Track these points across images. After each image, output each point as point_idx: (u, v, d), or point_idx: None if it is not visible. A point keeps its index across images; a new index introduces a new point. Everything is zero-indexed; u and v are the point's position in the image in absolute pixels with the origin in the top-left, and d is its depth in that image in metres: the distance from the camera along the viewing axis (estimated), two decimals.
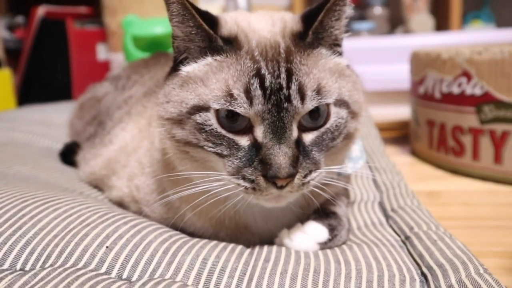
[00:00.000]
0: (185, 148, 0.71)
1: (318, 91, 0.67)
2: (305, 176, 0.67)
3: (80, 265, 0.63)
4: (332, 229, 0.80)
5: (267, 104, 0.65)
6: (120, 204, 0.97)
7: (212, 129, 0.67)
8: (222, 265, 0.66)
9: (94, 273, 0.61)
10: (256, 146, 0.66)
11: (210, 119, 0.67)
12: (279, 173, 0.63)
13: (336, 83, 0.70)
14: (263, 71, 0.66)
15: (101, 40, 2.94)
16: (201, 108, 0.68)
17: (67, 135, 1.47)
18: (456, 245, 0.72)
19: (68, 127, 1.46)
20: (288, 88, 0.65)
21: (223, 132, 0.67)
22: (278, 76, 0.66)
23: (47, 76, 2.82)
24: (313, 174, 0.68)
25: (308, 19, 0.73)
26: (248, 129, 0.67)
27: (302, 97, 0.66)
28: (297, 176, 0.66)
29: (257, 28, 0.74)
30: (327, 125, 0.70)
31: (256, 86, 0.65)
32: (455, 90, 1.53)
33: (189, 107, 0.69)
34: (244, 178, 0.67)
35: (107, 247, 0.66)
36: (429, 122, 1.68)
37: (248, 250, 0.73)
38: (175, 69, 0.76)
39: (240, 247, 0.74)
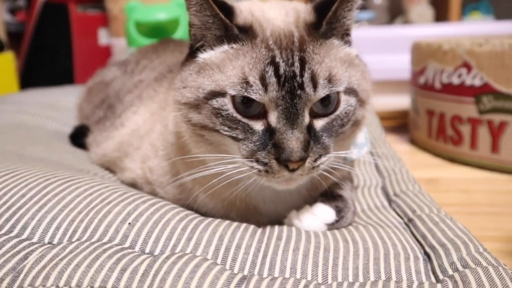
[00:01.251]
0: (201, 131, 0.74)
1: (330, 80, 0.70)
2: (315, 160, 0.71)
3: (105, 239, 0.66)
4: (339, 211, 0.84)
5: (281, 91, 0.68)
6: (133, 185, 1.00)
7: (228, 113, 0.70)
8: (237, 242, 0.70)
9: (119, 247, 0.65)
10: (269, 130, 0.70)
11: (226, 104, 0.70)
12: (291, 156, 0.67)
13: (346, 72, 0.73)
14: (277, 59, 0.69)
15: (102, 25, 2.95)
16: (218, 94, 0.71)
17: (76, 118, 1.49)
18: (457, 227, 0.77)
19: (77, 111, 1.49)
20: (301, 76, 0.69)
21: (239, 117, 0.71)
22: (292, 64, 0.69)
23: (49, 60, 2.82)
24: (323, 159, 0.72)
25: (320, 9, 0.75)
26: (262, 114, 0.71)
27: (315, 85, 0.69)
28: (308, 160, 0.70)
29: (271, 17, 0.77)
30: (337, 112, 0.73)
31: (271, 74, 0.68)
32: (455, 80, 1.57)
33: (206, 92, 0.72)
34: (257, 161, 0.70)
35: (129, 223, 0.69)
36: (429, 112, 1.72)
37: (260, 229, 0.77)
38: (191, 55, 0.79)
39: (252, 226, 0.78)
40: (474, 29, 2.35)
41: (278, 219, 0.85)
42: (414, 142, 1.89)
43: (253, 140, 0.70)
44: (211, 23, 0.74)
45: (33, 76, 2.81)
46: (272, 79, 0.68)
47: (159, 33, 2.19)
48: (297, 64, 0.69)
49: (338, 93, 0.72)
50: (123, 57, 1.77)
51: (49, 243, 0.66)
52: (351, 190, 0.97)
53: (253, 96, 0.69)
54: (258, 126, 0.71)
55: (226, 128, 0.71)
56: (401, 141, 1.96)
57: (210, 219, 0.78)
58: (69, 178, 0.81)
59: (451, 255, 0.68)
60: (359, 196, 1.04)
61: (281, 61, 0.69)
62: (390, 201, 1.00)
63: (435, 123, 1.69)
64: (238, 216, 0.86)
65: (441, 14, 3.43)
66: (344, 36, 0.78)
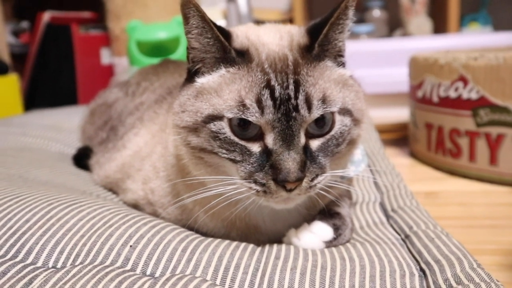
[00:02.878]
0: (200, 154, 0.77)
1: (324, 101, 0.72)
2: (312, 180, 0.73)
3: (108, 262, 0.68)
4: (336, 229, 0.86)
5: (277, 114, 0.70)
6: (135, 206, 1.03)
7: (226, 136, 0.73)
8: (236, 262, 0.72)
9: (121, 270, 0.67)
10: (266, 152, 0.72)
11: (223, 127, 0.73)
12: (288, 177, 0.68)
13: (340, 92, 0.76)
14: (272, 83, 0.72)
15: (104, 45, 2.99)
16: (215, 117, 0.73)
17: (79, 140, 1.52)
18: (452, 243, 0.78)
19: (80, 132, 1.51)
20: (296, 98, 0.71)
21: (236, 139, 0.73)
22: (287, 87, 0.71)
23: (52, 81, 2.86)
24: (319, 178, 0.74)
25: (313, 32, 0.78)
26: (259, 136, 0.73)
27: (309, 107, 0.71)
28: (304, 180, 0.72)
29: (266, 41, 0.79)
30: (332, 132, 0.75)
31: (267, 97, 0.70)
32: (452, 94, 1.59)
33: (204, 116, 0.74)
34: (255, 182, 0.72)
35: (130, 246, 0.71)
36: (427, 125, 1.74)
37: (259, 249, 0.79)
38: (189, 80, 0.81)
39: (251, 245, 0.80)
40: (472, 41, 2.37)
41: (278, 238, 0.87)
42: (414, 155, 1.91)
43: (251, 161, 0.72)
44: (211, 45, 0.76)
45: (37, 97, 2.85)
46: (268, 102, 0.70)
47: (160, 51, 2.23)
48: (291, 87, 0.71)
49: (332, 113, 0.74)
50: (125, 77, 1.80)
51: (53, 267, 0.68)
52: (349, 207, 0.98)
53: (250, 119, 0.71)
54: (255, 148, 0.73)
55: (224, 151, 0.73)
56: (401, 154, 1.97)
57: (210, 239, 0.80)
58: (72, 201, 0.83)
59: (445, 271, 0.70)
60: (358, 213, 1.06)
61: (276, 84, 0.71)
62: (388, 216, 1.02)
63: (434, 136, 1.71)
64: (238, 235, 0.87)
65: (439, 25, 3.46)
66: (337, 57, 0.80)
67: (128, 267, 0.69)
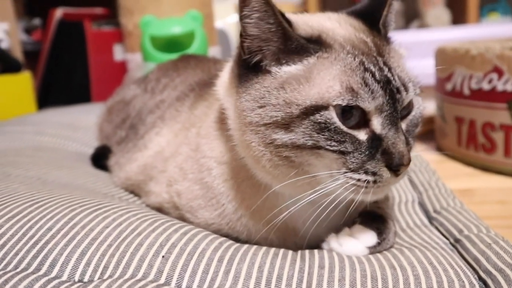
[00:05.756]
0: (289, 152, 0.69)
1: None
2: None
3: (139, 276, 0.62)
4: (380, 233, 0.79)
5: (385, 97, 0.67)
6: (159, 209, 0.97)
7: (336, 127, 0.67)
8: (278, 272, 0.66)
9: (154, 284, 0.61)
10: (375, 138, 0.68)
11: (332, 117, 0.67)
12: (403, 160, 0.66)
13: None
14: (367, 65, 0.68)
15: (117, 41, 2.94)
16: (321, 107, 0.67)
17: (96, 139, 1.47)
18: None
19: (97, 131, 1.46)
20: (395, 80, 0.69)
21: (345, 129, 0.67)
22: (382, 69, 0.69)
23: (66, 78, 2.82)
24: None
25: (363, 15, 0.78)
26: (362, 123, 0.68)
27: (406, 88, 0.70)
28: None
29: (330, 27, 0.75)
30: (413, 113, 0.74)
31: (371, 80, 0.67)
32: (486, 86, 1.51)
33: (304, 107, 0.67)
34: (366, 172, 0.68)
35: (163, 256, 0.65)
36: (458, 119, 1.66)
37: (299, 256, 0.72)
38: (247, 72, 0.74)
39: (290, 253, 0.74)
40: (493, 31, 2.28)
41: (316, 241, 0.81)
42: (441, 150, 1.83)
43: (362, 150, 0.68)
44: (273, 32, 0.70)
45: (50, 94, 2.81)
46: (375, 86, 0.67)
47: (175, 47, 2.17)
48: (386, 68, 0.69)
49: None
50: (140, 74, 1.75)
51: (79, 281, 0.62)
52: (389, 207, 0.92)
53: (361, 104, 0.66)
54: (362, 135, 0.68)
55: (333, 143, 0.67)
56: (427, 150, 1.89)
57: (245, 246, 0.74)
58: (95, 206, 0.77)
59: None
60: (396, 213, 0.99)
61: (372, 66, 0.68)
62: (430, 218, 0.95)
63: (465, 131, 1.63)
64: (277, 237, 0.82)
65: (458, 16, 3.37)
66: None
67: (162, 280, 0.62)
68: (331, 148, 0.67)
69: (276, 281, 0.64)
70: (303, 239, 0.83)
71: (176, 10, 2.52)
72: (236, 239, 0.83)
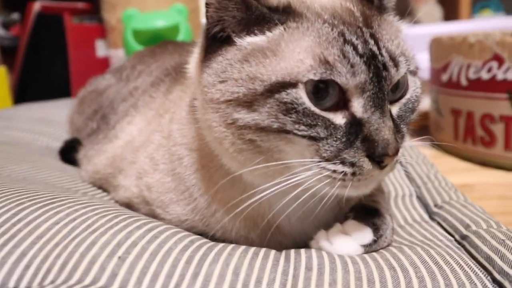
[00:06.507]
0: (253, 135, 0.59)
1: (405, 57, 0.62)
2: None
3: (87, 281, 0.52)
4: (376, 229, 0.69)
5: (369, 73, 0.57)
6: (129, 205, 0.86)
7: (305, 108, 0.57)
8: (257, 275, 0.56)
9: None
10: (354, 123, 0.58)
11: (301, 96, 0.57)
12: (388, 149, 0.56)
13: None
14: (348, 37, 0.58)
15: (100, 36, 2.83)
16: (288, 84, 0.57)
17: (68, 132, 1.36)
18: None
19: (68, 124, 1.35)
20: (381, 55, 0.59)
21: (317, 110, 0.57)
22: (366, 42, 0.59)
23: (44, 74, 2.69)
24: (401, 151, 0.61)
25: None
26: (340, 105, 0.58)
27: (395, 64, 0.60)
28: None
29: None
30: (408, 95, 0.65)
31: (352, 54, 0.57)
32: (484, 75, 1.42)
33: (270, 84, 0.57)
34: (343, 162, 0.57)
35: (119, 257, 0.55)
36: (454, 112, 1.57)
37: (283, 256, 0.62)
38: (213, 45, 0.64)
39: (273, 252, 0.63)
40: (485, 26, 2.20)
41: (304, 240, 0.71)
42: (437, 145, 1.73)
43: (338, 137, 0.58)
44: (240, 4, 0.61)
45: (28, 90, 2.68)
46: (356, 60, 0.57)
47: (158, 41, 2.08)
48: (371, 41, 0.59)
49: (405, 73, 0.63)
50: (119, 64, 1.64)
51: None
52: (385, 201, 0.82)
53: (338, 80, 0.56)
54: (339, 119, 0.58)
55: (302, 127, 0.57)
56: (422, 145, 1.80)
57: (220, 245, 0.63)
58: (48, 201, 0.67)
59: None
60: (393, 208, 0.89)
61: (354, 38, 0.58)
62: (430, 213, 0.85)
63: (462, 124, 1.54)
64: (258, 236, 0.72)
65: (450, 13, 3.31)
66: (392, 10, 0.70)
67: (115, 285, 0.52)
68: (300, 133, 0.57)
69: (254, 285, 0.54)
70: (289, 238, 0.73)
71: (161, 4, 2.42)
72: (213, 238, 0.73)
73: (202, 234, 0.74)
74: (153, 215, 0.79)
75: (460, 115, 1.54)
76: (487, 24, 2.27)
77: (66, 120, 1.37)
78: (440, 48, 1.62)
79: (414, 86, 0.66)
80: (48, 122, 1.57)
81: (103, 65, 2.75)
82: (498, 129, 1.41)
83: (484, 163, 1.48)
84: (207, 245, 0.62)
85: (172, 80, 0.99)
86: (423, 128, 2.01)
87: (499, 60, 1.37)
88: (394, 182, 1.02)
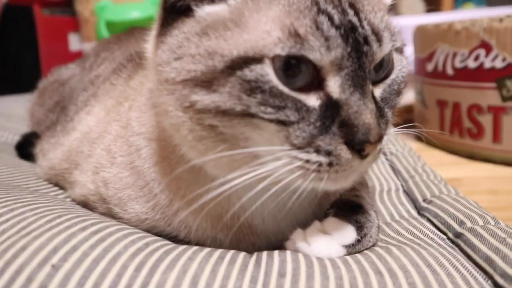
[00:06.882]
0: (214, 120, 0.51)
1: (390, 32, 0.54)
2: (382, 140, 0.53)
3: None
4: (360, 227, 0.61)
5: (347, 48, 0.49)
6: (85, 204, 0.77)
7: (272, 87, 0.49)
8: (220, 283, 0.47)
9: None
10: (330, 105, 0.50)
11: (267, 73, 0.49)
12: (369, 135, 0.49)
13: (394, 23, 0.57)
14: (323, 6, 0.50)
15: (73, 29, 2.72)
16: (252, 60, 0.49)
17: (28, 126, 1.26)
18: None
19: (28, 116, 1.25)
20: (362, 27, 0.51)
21: (286, 90, 0.49)
22: (344, 12, 0.51)
23: (13, 69, 2.57)
24: (385, 138, 0.55)
25: None
26: (315, 84, 0.50)
27: (379, 39, 0.52)
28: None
29: None
30: (393, 76, 0.57)
31: (327, 25, 0.49)
32: (471, 64, 1.35)
33: (231, 59, 0.49)
34: (318, 150, 0.50)
35: (52, 265, 0.45)
36: (440, 103, 1.50)
37: (253, 260, 0.53)
38: (171, 17, 0.56)
39: (242, 255, 0.55)
40: (467, 17, 2.14)
41: (280, 240, 0.63)
42: (422, 138, 1.66)
43: (311, 121, 0.50)
44: None
45: None
46: (331, 32, 0.49)
47: None
48: (350, 12, 0.51)
49: (390, 51, 0.55)
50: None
51: None
52: (369, 196, 0.74)
53: (310, 55, 0.48)
54: (313, 100, 0.50)
55: (269, 109, 0.49)
56: (406, 138, 1.73)
57: (181, 248, 0.54)
58: None
59: None
60: (378, 204, 0.82)
61: (329, 7, 0.50)
62: (419, 209, 0.78)
63: (448, 115, 1.47)
64: (227, 237, 0.64)
65: (432, 6, 3.28)
66: None
67: None
68: (266, 116, 0.49)
69: None
70: (264, 238, 0.65)
71: None
72: (177, 239, 0.64)
73: (165, 235, 0.65)
74: (111, 215, 0.70)
75: (446, 106, 1.47)
76: (470, 15, 2.22)
77: (27, 113, 1.27)
78: (425, 37, 1.55)
79: (400, 65, 0.58)
80: (8, 116, 1.48)
81: (77, 59, 2.63)
82: (486, 120, 1.35)
83: (472, 156, 1.41)
84: (164, 249, 0.53)
85: (134, 66, 0.90)
86: (407, 122, 1.95)
87: (487, 47, 1.30)
88: (379, 175, 0.94)
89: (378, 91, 0.56)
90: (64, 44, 2.74)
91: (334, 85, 0.50)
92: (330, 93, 0.50)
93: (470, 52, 1.35)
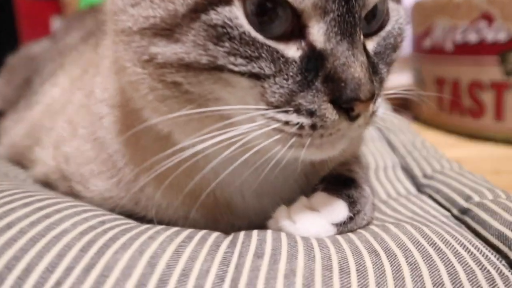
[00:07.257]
0: (178, 76, 0.44)
1: None
2: (376, 101, 0.46)
3: None
4: (353, 202, 0.53)
5: None
6: (47, 183, 0.69)
7: (243, 33, 0.41)
8: (183, 266, 0.39)
9: None
10: (313, 56, 0.43)
11: (236, 16, 0.41)
12: (360, 91, 0.41)
13: None
14: None
15: (55, 13, 2.63)
16: (219, 1, 0.41)
17: None
18: None
19: None
20: None
21: (259, 37, 0.42)
22: None
23: None
24: (379, 100, 0.47)
25: None
26: (295, 33, 0.43)
27: None
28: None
29: None
30: (388, 27, 0.50)
31: None
32: (472, 38, 1.27)
33: (194, 1, 0.41)
34: (298, 110, 0.42)
35: None
36: (439, 80, 1.42)
37: (227, 241, 0.45)
38: None
39: (214, 235, 0.47)
40: None
41: (262, 220, 0.55)
42: (419, 119, 1.59)
43: (290, 74, 0.42)
44: None
45: None
46: None
47: None
48: None
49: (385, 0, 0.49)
50: None
51: None
52: (363, 171, 0.66)
53: None
54: (293, 51, 0.43)
55: (240, 60, 0.42)
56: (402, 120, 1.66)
57: (143, 227, 0.46)
58: None
59: None
60: (373, 181, 0.74)
61: None
62: (419, 185, 0.70)
63: (447, 94, 1.39)
64: (202, 216, 0.56)
65: None
66: None
67: None
68: (237, 69, 0.41)
69: (177, 281, 0.37)
70: (244, 218, 0.57)
71: None
72: (146, 220, 0.56)
73: (133, 214, 0.57)
74: (73, 194, 0.62)
75: (444, 84, 1.40)
76: None
77: None
78: (422, 11, 1.47)
79: (396, 15, 0.51)
80: None
81: None
82: (488, 98, 1.27)
83: (473, 135, 1.34)
84: (122, 227, 0.45)
85: (104, 32, 0.81)
86: (402, 104, 1.87)
87: (489, 18, 1.22)
88: (374, 151, 0.87)
89: (371, 44, 0.48)
90: (46, 29, 2.64)
91: (317, 33, 0.42)
92: (313, 42, 0.43)
93: (471, 24, 1.27)
